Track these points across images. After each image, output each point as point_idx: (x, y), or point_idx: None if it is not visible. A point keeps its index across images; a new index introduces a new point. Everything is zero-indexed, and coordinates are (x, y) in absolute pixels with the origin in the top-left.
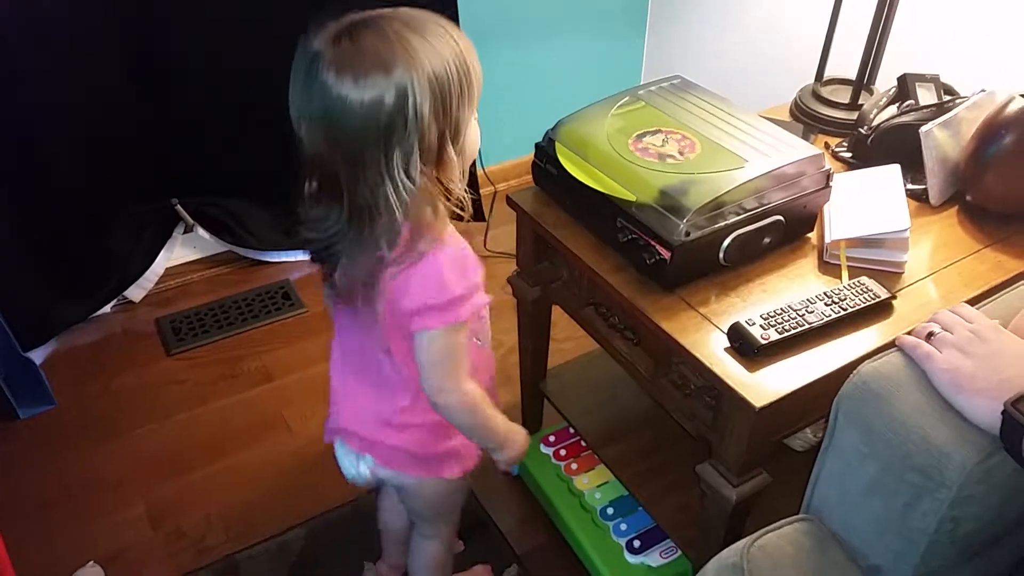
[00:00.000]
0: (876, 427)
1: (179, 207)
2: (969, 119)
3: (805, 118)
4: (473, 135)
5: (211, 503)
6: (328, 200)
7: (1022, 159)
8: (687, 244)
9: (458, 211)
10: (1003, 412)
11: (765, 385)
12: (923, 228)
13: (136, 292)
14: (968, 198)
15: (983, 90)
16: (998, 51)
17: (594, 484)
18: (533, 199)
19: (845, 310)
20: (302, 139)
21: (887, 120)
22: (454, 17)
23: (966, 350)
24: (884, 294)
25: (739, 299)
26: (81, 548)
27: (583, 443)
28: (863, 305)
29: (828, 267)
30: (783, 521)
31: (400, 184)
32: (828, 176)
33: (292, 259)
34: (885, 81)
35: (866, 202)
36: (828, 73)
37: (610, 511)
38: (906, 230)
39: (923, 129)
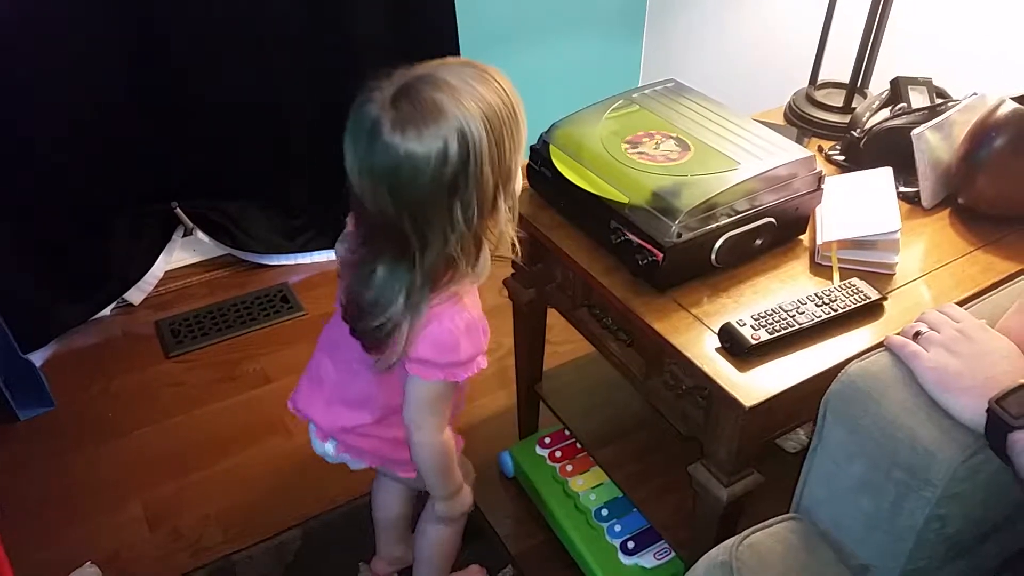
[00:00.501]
0: (864, 426)
1: (179, 210)
2: (961, 122)
3: (799, 121)
4: (520, 176)
5: (208, 504)
6: (392, 266)
7: (1013, 161)
8: (679, 245)
9: (509, 255)
10: (987, 410)
11: (755, 385)
12: (915, 230)
13: (136, 295)
14: (960, 201)
15: (975, 93)
16: (991, 55)
17: (589, 486)
18: (527, 201)
19: (835, 311)
20: (366, 204)
21: (879, 123)
22: (452, 22)
23: (953, 349)
24: (874, 295)
25: (731, 300)
26: (79, 548)
27: (578, 445)
28: (853, 306)
29: (820, 269)
30: (773, 520)
31: (460, 235)
32: (820, 178)
33: (291, 262)
34: (879, 85)
35: (858, 204)
36: (823, 77)
37: (605, 512)
38: (897, 232)
39: (915, 132)
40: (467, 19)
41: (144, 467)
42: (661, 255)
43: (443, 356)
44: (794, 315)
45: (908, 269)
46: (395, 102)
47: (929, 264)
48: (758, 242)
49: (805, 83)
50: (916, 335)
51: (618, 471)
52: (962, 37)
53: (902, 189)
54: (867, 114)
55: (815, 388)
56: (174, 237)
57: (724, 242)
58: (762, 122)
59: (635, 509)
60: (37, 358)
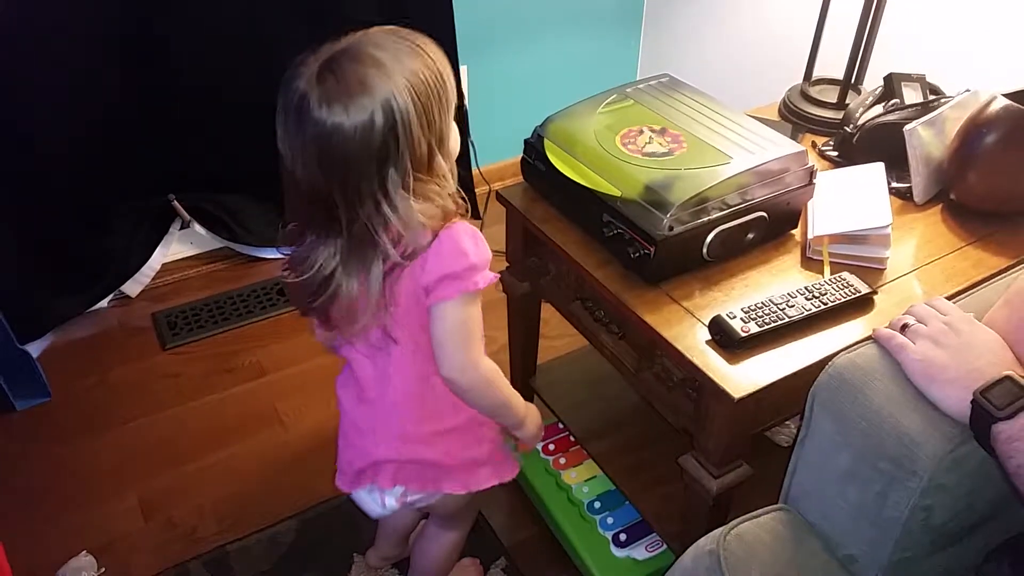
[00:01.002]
0: (850, 417)
1: (176, 203)
2: (953, 118)
3: (793, 117)
4: (454, 136)
5: (203, 495)
6: (321, 234)
7: (1004, 157)
8: (670, 238)
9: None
10: (972, 401)
11: (744, 377)
12: (907, 226)
13: (133, 287)
14: (952, 196)
15: (968, 90)
16: (985, 51)
17: (582, 479)
18: (522, 195)
19: (825, 304)
20: (297, 176)
21: (872, 119)
22: (449, 20)
23: (939, 341)
24: (864, 289)
25: (722, 294)
26: (74, 538)
27: (571, 438)
28: (843, 300)
29: (811, 263)
30: (761, 510)
31: (397, 200)
32: (811, 173)
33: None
34: (873, 81)
35: (849, 199)
36: (818, 73)
37: (597, 505)
38: (887, 226)
39: (907, 128)
40: (464, 17)
41: (140, 458)
42: (652, 248)
43: (455, 263)
44: (784, 308)
45: (899, 264)
46: (320, 77)
47: (920, 259)
48: (750, 236)
49: (801, 79)
50: (904, 328)
51: (611, 464)
52: (956, 34)
53: (894, 185)
54: (860, 110)
55: (805, 381)
56: (171, 230)
57: (715, 236)
58: (756, 118)
59: (627, 502)
60: (34, 349)
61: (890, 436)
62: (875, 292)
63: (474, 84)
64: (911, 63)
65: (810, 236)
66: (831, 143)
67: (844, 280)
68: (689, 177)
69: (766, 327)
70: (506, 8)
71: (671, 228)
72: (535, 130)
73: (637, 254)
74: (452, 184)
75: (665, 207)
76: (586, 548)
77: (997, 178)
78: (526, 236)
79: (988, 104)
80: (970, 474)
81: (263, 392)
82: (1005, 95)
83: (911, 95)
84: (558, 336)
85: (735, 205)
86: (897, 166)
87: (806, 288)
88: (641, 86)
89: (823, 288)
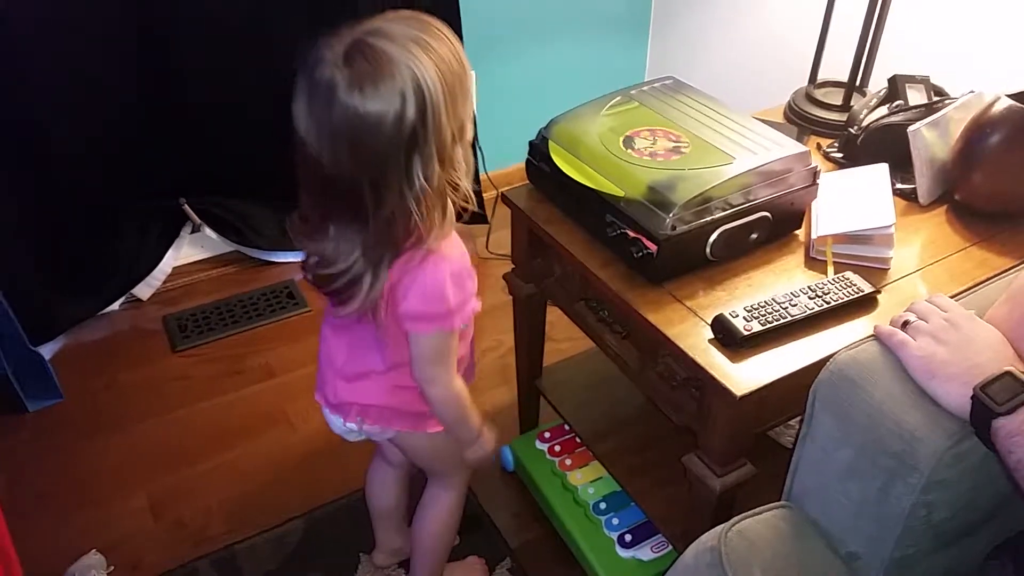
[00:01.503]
0: (851, 413)
1: (186, 207)
2: (957, 119)
3: (799, 120)
4: (470, 130)
5: (212, 495)
6: (342, 226)
7: (1008, 158)
8: (673, 238)
9: (464, 204)
10: (972, 397)
11: (746, 375)
12: (912, 226)
13: (144, 290)
14: (956, 197)
15: (972, 91)
16: (990, 53)
17: (587, 480)
18: (527, 196)
19: (828, 303)
20: (323, 163)
21: (877, 120)
22: (456, 22)
23: (940, 337)
24: (868, 288)
25: (725, 293)
26: (84, 537)
27: (577, 439)
28: (846, 299)
29: (815, 263)
30: (763, 507)
31: (421, 189)
32: (815, 173)
33: (297, 259)
34: (878, 83)
35: (853, 199)
36: (823, 76)
37: (603, 506)
38: (891, 226)
39: (911, 129)
40: (471, 21)
41: (149, 458)
42: (656, 247)
43: (432, 306)
44: (787, 307)
45: (903, 264)
46: (348, 59)
47: (925, 259)
48: (753, 236)
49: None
50: (905, 324)
51: (616, 465)
52: (960, 36)
53: (899, 186)
54: (864, 111)
55: (808, 380)
56: (182, 233)
57: (719, 235)
58: (761, 120)
59: (633, 503)
60: (47, 351)
61: (891, 432)
62: (878, 291)
63: (482, 90)
64: (915, 65)
65: (814, 236)
66: (836, 145)
67: (847, 280)
68: (692, 177)
69: (769, 326)
70: (513, 14)
71: (674, 228)
72: (539, 132)
73: (640, 254)
74: (467, 179)
75: (668, 207)
76: (591, 549)
77: (1001, 178)
78: (531, 237)
79: (992, 105)
80: (971, 470)
81: (272, 394)
82: (1009, 95)
83: (915, 96)
84: (565, 339)
85: (738, 205)
86: (902, 167)
87: (809, 287)
88: (645, 88)
89: (826, 287)
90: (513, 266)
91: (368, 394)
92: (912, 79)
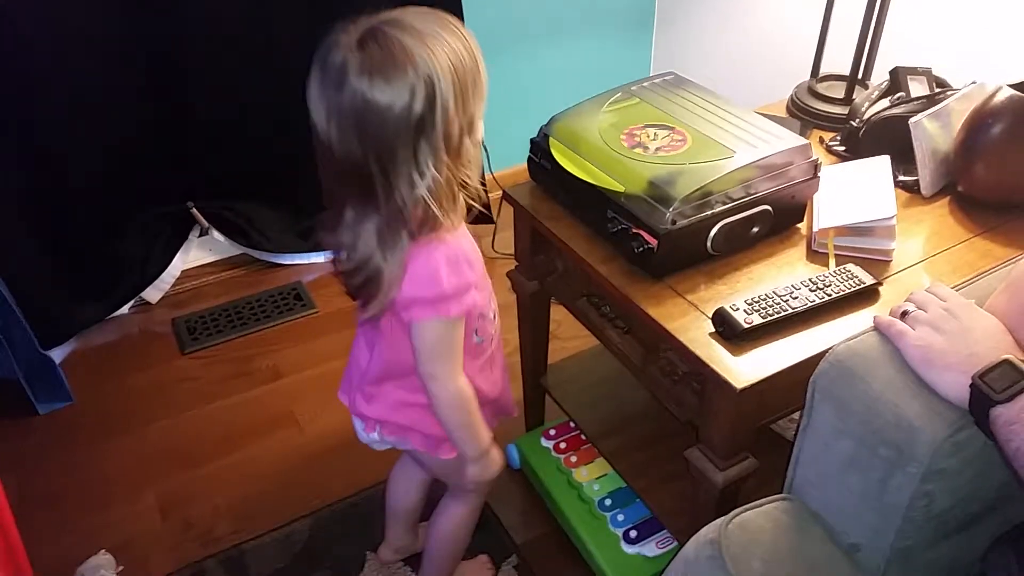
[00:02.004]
0: (850, 404)
1: (195, 210)
2: (959, 111)
3: (801, 114)
4: (481, 128)
5: (219, 495)
6: (359, 210)
7: (1011, 148)
8: (674, 232)
9: (473, 202)
10: (971, 385)
11: (747, 367)
12: (914, 218)
13: (153, 294)
14: (959, 188)
15: (974, 82)
16: (992, 44)
17: (593, 476)
18: (529, 193)
19: (829, 296)
20: (332, 146)
21: (878, 112)
22: (459, 19)
23: (938, 327)
24: (869, 280)
25: (727, 287)
26: (93, 537)
27: (582, 436)
28: (848, 291)
29: (817, 256)
30: (763, 500)
31: (433, 180)
32: (816, 167)
33: (305, 261)
34: (880, 76)
35: (855, 192)
36: (826, 70)
37: (608, 502)
38: (892, 217)
39: (913, 120)
40: (474, 20)
41: (158, 459)
42: (656, 242)
43: (426, 289)
44: (788, 300)
45: (906, 256)
46: (362, 45)
47: (927, 251)
48: (754, 230)
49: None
50: (903, 314)
51: (621, 461)
52: (962, 27)
53: (902, 178)
54: (866, 104)
55: (809, 373)
56: (190, 237)
57: (720, 229)
58: (763, 114)
59: (638, 499)
60: (57, 354)
61: (890, 422)
62: (880, 283)
63: (487, 88)
64: (917, 57)
65: (815, 229)
66: (838, 138)
67: (849, 272)
68: (692, 172)
69: (769, 319)
70: (517, 12)
71: (674, 222)
72: (541, 129)
73: (641, 248)
74: (476, 176)
75: (668, 201)
76: (597, 545)
77: (1004, 168)
78: (534, 234)
79: (993, 95)
80: (971, 460)
81: (279, 395)
82: (1011, 86)
83: (917, 88)
84: (571, 338)
85: (739, 199)
86: (904, 159)
87: (810, 280)
88: (646, 84)
89: (827, 280)
90: (516, 263)
91: (382, 410)
92: (914, 71)
